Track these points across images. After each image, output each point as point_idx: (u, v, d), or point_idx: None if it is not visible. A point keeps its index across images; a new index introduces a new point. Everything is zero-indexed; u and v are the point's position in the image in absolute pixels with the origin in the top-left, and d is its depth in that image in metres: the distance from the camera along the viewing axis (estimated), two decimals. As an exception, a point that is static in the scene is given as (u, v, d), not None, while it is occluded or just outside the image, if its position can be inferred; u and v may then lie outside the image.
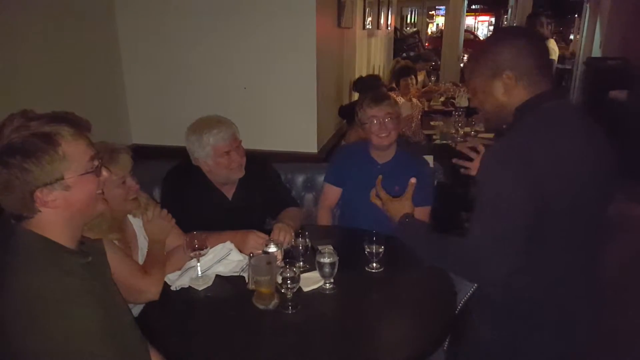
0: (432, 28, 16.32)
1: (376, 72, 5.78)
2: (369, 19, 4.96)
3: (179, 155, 2.14)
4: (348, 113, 3.46)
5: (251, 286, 1.63)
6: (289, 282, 1.52)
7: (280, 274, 1.53)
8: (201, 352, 1.41)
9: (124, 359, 1.14)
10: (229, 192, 2.17)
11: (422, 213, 2.09)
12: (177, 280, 1.70)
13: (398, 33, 9.48)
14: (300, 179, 2.65)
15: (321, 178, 2.52)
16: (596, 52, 7.55)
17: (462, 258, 1.32)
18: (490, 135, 3.98)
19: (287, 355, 1.39)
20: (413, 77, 4.77)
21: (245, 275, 1.71)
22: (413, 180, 1.71)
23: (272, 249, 1.72)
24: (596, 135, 1.29)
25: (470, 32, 14.55)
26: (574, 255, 1.30)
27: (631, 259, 3.39)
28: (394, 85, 4.89)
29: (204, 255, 1.72)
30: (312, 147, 2.90)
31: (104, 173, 1.16)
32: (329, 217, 2.40)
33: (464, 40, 10.20)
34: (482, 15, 18.87)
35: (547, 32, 5.47)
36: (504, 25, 14.43)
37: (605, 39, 7.26)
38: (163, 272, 1.69)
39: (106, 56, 2.80)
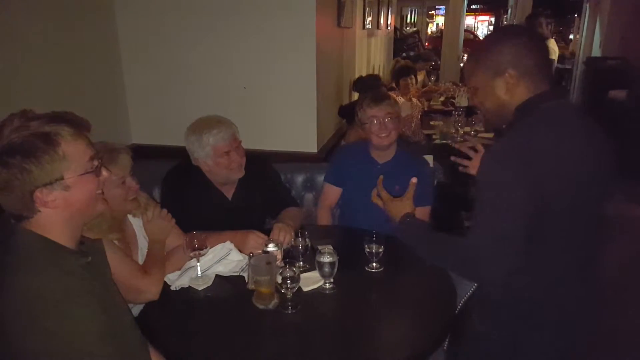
0: (432, 28, 16.32)
1: (376, 72, 5.78)
2: (369, 18, 4.96)
3: (179, 155, 2.14)
4: (348, 113, 3.46)
5: (251, 286, 1.63)
6: (288, 282, 1.52)
7: (280, 274, 1.53)
8: (201, 352, 1.41)
9: (124, 359, 1.14)
10: (229, 192, 2.17)
11: (422, 213, 2.09)
12: (177, 280, 1.70)
13: (398, 33, 9.48)
14: (300, 178, 2.65)
15: (321, 178, 2.52)
16: (596, 51, 7.55)
17: (462, 258, 1.32)
18: (490, 135, 3.98)
19: (287, 355, 1.39)
20: (413, 77, 4.77)
21: (245, 275, 1.71)
22: (414, 180, 1.71)
23: (272, 248, 1.72)
24: (596, 135, 1.29)
25: (470, 31, 14.54)
26: (573, 255, 1.30)
27: (631, 259, 3.39)
28: (393, 85, 4.89)
29: (203, 255, 1.72)
30: (312, 147, 2.90)
31: (104, 173, 1.16)
32: (328, 217, 2.40)
33: (464, 40, 10.20)
34: (482, 15, 18.87)
35: (547, 32, 5.46)
36: (504, 24, 14.43)
37: (605, 39, 7.26)
38: (163, 272, 1.69)
39: (106, 56, 2.80)
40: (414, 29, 12.11)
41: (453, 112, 4.35)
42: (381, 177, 1.78)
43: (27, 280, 1.04)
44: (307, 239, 1.82)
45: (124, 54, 2.90)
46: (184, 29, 2.80)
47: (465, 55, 9.32)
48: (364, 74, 4.44)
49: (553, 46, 6.02)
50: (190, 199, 2.08)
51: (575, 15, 10.22)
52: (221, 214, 2.12)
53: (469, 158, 1.74)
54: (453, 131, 4.06)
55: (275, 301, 1.56)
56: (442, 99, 5.53)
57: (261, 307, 1.56)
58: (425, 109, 5.07)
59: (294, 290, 1.54)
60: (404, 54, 8.02)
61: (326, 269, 1.62)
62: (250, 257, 1.66)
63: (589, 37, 7.90)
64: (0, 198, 1.06)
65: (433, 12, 15.99)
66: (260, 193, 2.20)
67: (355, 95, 3.99)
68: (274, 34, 2.71)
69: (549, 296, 1.31)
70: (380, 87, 3.76)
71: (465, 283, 1.68)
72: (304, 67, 2.75)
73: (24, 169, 1.02)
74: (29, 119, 1.05)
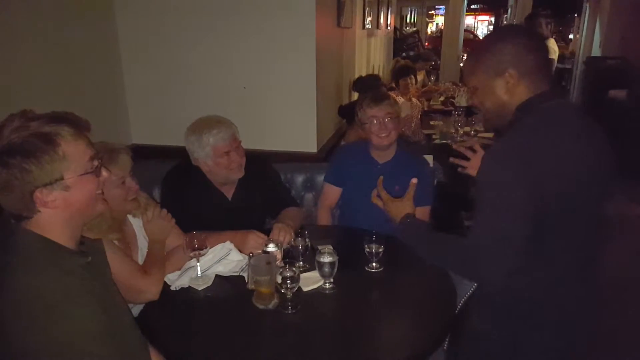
0: (431, 27, 16.33)
1: (376, 72, 5.78)
2: (369, 18, 4.96)
3: (179, 155, 2.14)
4: (348, 113, 3.46)
5: (251, 286, 1.63)
6: (288, 281, 1.52)
7: (280, 274, 1.53)
8: (201, 352, 1.41)
9: (124, 359, 1.14)
10: (229, 192, 2.17)
11: (422, 213, 2.09)
12: (177, 280, 1.70)
13: (398, 33, 9.48)
14: (300, 178, 2.65)
15: (321, 178, 2.52)
16: (596, 51, 7.56)
17: (462, 258, 1.32)
18: (490, 135, 3.98)
19: (287, 355, 1.39)
20: (412, 76, 4.77)
21: (245, 275, 1.71)
22: (414, 180, 1.71)
23: (272, 248, 1.72)
24: (596, 135, 1.29)
25: (470, 31, 14.55)
26: (573, 255, 1.30)
27: (631, 259, 3.39)
28: (393, 85, 4.89)
29: (203, 255, 1.72)
30: (311, 147, 2.90)
31: (104, 173, 1.16)
32: (328, 217, 2.40)
33: (464, 40, 10.21)
34: (481, 14, 18.88)
35: (547, 31, 5.45)
36: (503, 24, 14.43)
37: (605, 39, 7.27)
38: (163, 272, 1.69)
39: (106, 56, 2.80)
40: (414, 28, 12.10)
41: (453, 112, 4.36)
42: (381, 177, 1.78)
43: (27, 280, 1.04)
44: (307, 239, 1.82)
45: (124, 54, 2.90)
46: (184, 29, 2.80)
47: (465, 55, 9.31)
48: (363, 74, 4.45)
49: (553, 46, 6.00)
50: (190, 199, 2.08)
51: (575, 14, 10.22)
52: (221, 214, 2.12)
53: (467, 159, 1.74)
54: (453, 131, 4.07)
55: (275, 301, 1.56)
56: (441, 98, 5.54)
57: (261, 307, 1.56)
58: (425, 108, 5.07)
59: (294, 290, 1.54)
60: (404, 54, 8.01)
61: (326, 269, 1.62)
62: (250, 257, 1.66)
63: (589, 37, 7.91)
64: (0, 198, 1.06)
65: (433, 11, 15.99)
66: (260, 193, 2.20)
67: (355, 95, 3.99)
68: (274, 34, 2.71)
69: (549, 296, 1.31)
70: (380, 87, 3.76)
71: (465, 283, 1.68)
72: (303, 67, 2.75)
73: (24, 169, 1.02)
74: (29, 119, 1.05)
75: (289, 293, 1.53)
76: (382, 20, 6.15)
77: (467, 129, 4.12)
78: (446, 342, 1.73)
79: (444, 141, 3.97)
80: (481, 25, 18.97)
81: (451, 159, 1.79)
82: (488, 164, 1.27)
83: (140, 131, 3.05)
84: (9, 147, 1.02)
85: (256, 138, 2.57)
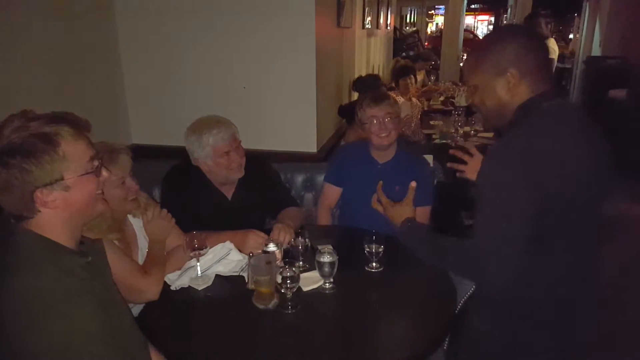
0: (431, 27, 16.33)
1: (376, 72, 5.78)
2: (369, 18, 4.97)
3: (179, 155, 2.14)
4: (348, 112, 3.46)
5: (251, 286, 1.63)
6: (288, 281, 1.52)
7: (280, 274, 1.53)
8: (201, 352, 1.41)
9: (124, 359, 1.14)
10: (229, 192, 2.17)
11: (423, 213, 2.09)
12: (177, 280, 1.70)
13: (397, 32, 9.47)
14: (299, 178, 2.66)
15: (321, 178, 2.52)
16: (596, 51, 7.56)
17: (463, 258, 1.32)
18: (490, 135, 3.98)
19: (287, 355, 1.39)
20: (412, 76, 4.76)
21: (245, 275, 1.71)
22: (413, 184, 1.72)
23: (272, 248, 1.72)
24: (595, 135, 1.29)
25: (469, 31, 14.55)
26: (573, 255, 1.30)
27: (631, 259, 3.39)
28: (393, 85, 4.89)
29: (203, 255, 1.72)
30: (311, 147, 2.90)
31: (104, 173, 1.16)
32: (328, 216, 2.40)
33: (464, 40, 10.21)
34: (481, 14, 18.88)
35: (547, 31, 5.45)
36: (503, 24, 14.42)
37: (605, 38, 7.27)
38: (163, 272, 1.69)
39: (106, 56, 2.80)
40: (414, 28, 12.10)
41: (453, 111, 4.36)
42: (380, 183, 1.78)
43: (27, 280, 1.04)
44: (307, 239, 1.82)
45: (124, 54, 2.90)
46: (184, 29, 2.80)
47: (465, 54, 9.32)
48: (363, 74, 4.44)
49: (553, 45, 6.01)
50: (190, 199, 2.08)
51: (575, 14, 10.22)
52: (221, 214, 2.12)
53: (464, 163, 1.74)
54: (453, 131, 4.06)
55: (275, 301, 1.56)
56: (441, 98, 5.53)
57: (261, 307, 1.56)
58: (425, 108, 5.07)
59: (294, 290, 1.54)
60: (404, 54, 8.01)
61: (326, 269, 1.62)
62: (250, 257, 1.66)
63: (589, 37, 7.91)
64: (1, 198, 1.06)
65: (433, 11, 15.99)
66: (260, 193, 2.20)
67: (355, 95, 3.99)
68: (274, 34, 2.71)
69: (549, 296, 1.31)
70: (380, 86, 3.76)
71: (465, 283, 1.68)
72: (303, 67, 2.75)
73: (24, 169, 1.02)
74: (29, 119, 1.05)
75: (289, 293, 1.53)
76: (382, 20, 6.15)
77: (467, 128, 4.12)
78: (446, 342, 1.73)
79: (444, 141, 3.97)
80: (481, 25, 18.97)
81: (449, 164, 1.78)
82: (488, 164, 1.28)
83: (140, 131, 3.05)
84: (9, 147, 1.02)
85: (256, 138, 2.57)
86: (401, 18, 12.88)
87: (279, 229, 1.88)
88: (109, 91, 2.86)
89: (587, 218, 1.28)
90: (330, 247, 1.66)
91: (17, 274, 1.05)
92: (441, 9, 13.92)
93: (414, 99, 4.53)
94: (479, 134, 4.06)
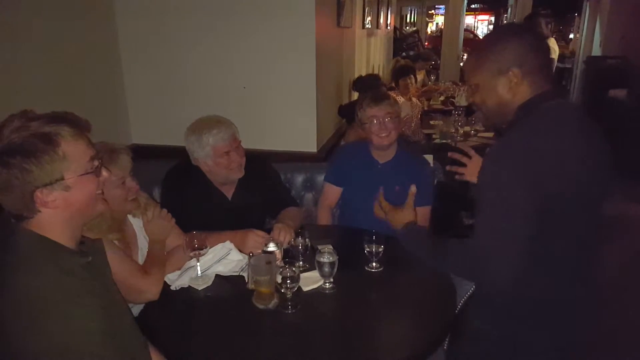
0: (431, 27, 16.32)
1: (376, 72, 5.78)
2: (369, 18, 4.97)
3: (179, 155, 2.14)
4: (348, 112, 3.46)
5: (251, 286, 1.63)
6: (288, 281, 1.52)
7: (280, 274, 1.53)
8: (201, 352, 1.41)
9: (123, 359, 1.14)
10: (229, 192, 2.17)
11: (423, 213, 2.09)
12: (177, 280, 1.70)
13: (397, 32, 9.47)
14: (299, 178, 2.66)
15: (321, 178, 2.52)
16: (596, 50, 7.56)
17: (463, 259, 1.32)
18: (490, 135, 3.98)
19: (287, 355, 1.39)
20: (412, 76, 4.76)
21: (245, 274, 1.71)
22: (413, 189, 1.72)
23: (272, 248, 1.72)
24: (595, 135, 1.29)
25: (469, 31, 14.53)
26: (573, 255, 1.30)
27: (631, 259, 3.39)
28: (393, 84, 4.89)
29: (203, 255, 1.72)
30: (311, 147, 2.90)
31: (104, 173, 1.16)
32: (328, 216, 2.40)
33: (464, 40, 10.21)
34: (481, 14, 18.86)
35: (547, 31, 5.46)
36: (504, 23, 14.41)
37: (605, 38, 7.27)
38: (163, 272, 1.69)
39: (106, 56, 2.80)
40: (414, 28, 12.10)
41: (453, 111, 4.36)
42: (381, 191, 1.78)
43: (27, 280, 1.04)
44: (307, 239, 1.82)
45: (123, 54, 2.90)
46: (184, 29, 2.80)
47: (465, 54, 9.32)
48: (363, 74, 4.44)
49: (553, 45, 6.01)
50: (190, 198, 2.08)
51: (575, 14, 10.22)
52: (221, 213, 2.12)
53: (464, 165, 1.74)
54: (453, 130, 4.06)
55: (275, 301, 1.56)
56: (441, 98, 5.54)
57: (261, 307, 1.56)
58: (425, 108, 5.07)
59: (294, 290, 1.54)
60: (404, 54, 8.01)
61: (326, 269, 1.62)
62: (250, 257, 1.66)
63: (589, 36, 7.91)
64: (1, 198, 1.06)
65: (433, 11, 15.98)
66: (260, 193, 2.20)
67: (355, 95, 3.99)
68: (274, 34, 2.71)
69: (549, 296, 1.31)
70: (380, 86, 3.76)
71: (465, 283, 1.68)
72: (303, 67, 2.75)
73: (24, 169, 1.02)
74: (29, 119, 1.05)
75: (288, 293, 1.53)
76: (382, 19, 6.15)
77: (467, 128, 4.12)
78: (446, 342, 1.73)
79: (444, 141, 3.97)
80: (481, 24, 18.95)
81: (447, 167, 1.79)
82: (488, 164, 1.28)
83: (140, 131, 3.05)
84: (9, 147, 1.02)
85: (256, 138, 2.58)
86: (401, 18, 12.88)
87: (279, 229, 1.88)
88: (109, 91, 2.86)
89: (587, 218, 1.28)
90: (330, 247, 1.66)
91: (17, 273, 1.05)
92: (441, 8, 13.92)
93: (414, 99, 4.53)
94: (479, 134, 4.06)
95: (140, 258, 1.78)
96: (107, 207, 1.24)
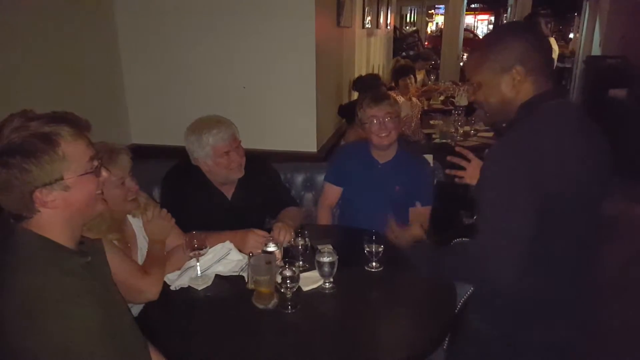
0: (431, 27, 16.32)
1: (376, 71, 5.77)
2: (369, 18, 4.97)
3: (179, 155, 2.14)
4: (348, 112, 3.46)
5: (251, 286, 1.63)
6: (288, 281, 1.52)
7: (280, 274, 1.53)
8: (201, 352, 1.41)
9: (123, 359, 1.14)
10: (229, 192, 2.17)
11: (423, 213, 2.09)
12: (176, 280, 1.70)
13: (397, 32, 9.47)
14: (299, 178, 2.66)
15: (321, 177, 2.52)
16: (596, 50, 7.56)
17: (466, 260, 1.32)
18: (490, 135, 3.98)
19: (287, 355, 1.39)
20: (412, 76, 4.77)
21: (245, 274, 1.71)
22: (419, 207, 1.72)
23: (272, 248, 1.72)
24: (595, 135, 1.29)
25: (469, 30, 14.54)
26: (573, 255, 1.30)
27: (631, 259, 3.39)
28: (393, 84, 4.89)
29: (203, 255, 1.72)
30: (311, 147, 2.90)
31: (104, 173, 1.16)
32: (328, 216, 2.40)
33: (464, 39, 10.21)
34: (481, 14, 18.86)
35: (547, 30, 5.46)
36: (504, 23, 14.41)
37: (605, 38, 7.27)
38: (163, 272, 1.69)
39: (106, 56, 2.80)
40: (414, 28, 12.10)
41: (453, 111, 4.36)
42: (392, 219, 1.73)
43: (26, 280, 1.04)
44: (306, 239, 1.82)
45: (123, 54, 2.90)
46: (184, 29, 2.80)
47: (465, 54, 9.32)
48: (363, 74, 4.44)
49: (553, 45, 6.01)
50: (190, 198, 2.08)
51: (575, 14, 10.21)
52: (221, 214, 2.12)
53: (463, 168, 1.74)
54: (453, 130, 4.07)
55: (275, 301, 1.56)
56: (441, 98, 5.54)
57: (261, 306, 1.56)
58: (425, 108, 5.07)
59: (294, 289, 1.54)
60: (404, 53, 8.01)
61: (326, 269, 1.62)
62: (250, 257, 1.66)
63: (589, 36, 7.91)
64: (0, 198, 1.06)
65: (433, 11, 15.98)
66: (260, 193, 2.20)
67: (355, 95, 3.99)
68: (274, 34, 2.71)
69: (549, 296, 1.31)
70: (379, 86, 3.76)
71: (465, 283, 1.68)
72: (303, 67, 2.75)
73: (24, 169, 1.02)
74: (29, 119, 1.05)
75: (288, 293, 1.53)
76: (381, 19, 6.15)
77: (466, 128, 4.12)
78: (446, 342, 1.73)
79: (444, 140, 3.97)
80: (481, 24, 18.94)
81: (447, 171, 1.78)
82: (488, 164, 1.28)
83: (140, 131, 3.05)
84: (9, 147, 1.02)
85: (256, 138, 2.57)
86: (401, 17, 12.88)
87: (278, 229, 1.88)
88: (108, 91, 2.86)
89: (587, 218, 1.28)
90: (330, 247, 1.66)
91: (17, 273, 1.05)
92: (441, 8, 13.91)
93: (414, 99, 4.53)
94: (479, 134, 4.06)
95: (140, 258, 1.78)
96: (106, 207, 1.24)
